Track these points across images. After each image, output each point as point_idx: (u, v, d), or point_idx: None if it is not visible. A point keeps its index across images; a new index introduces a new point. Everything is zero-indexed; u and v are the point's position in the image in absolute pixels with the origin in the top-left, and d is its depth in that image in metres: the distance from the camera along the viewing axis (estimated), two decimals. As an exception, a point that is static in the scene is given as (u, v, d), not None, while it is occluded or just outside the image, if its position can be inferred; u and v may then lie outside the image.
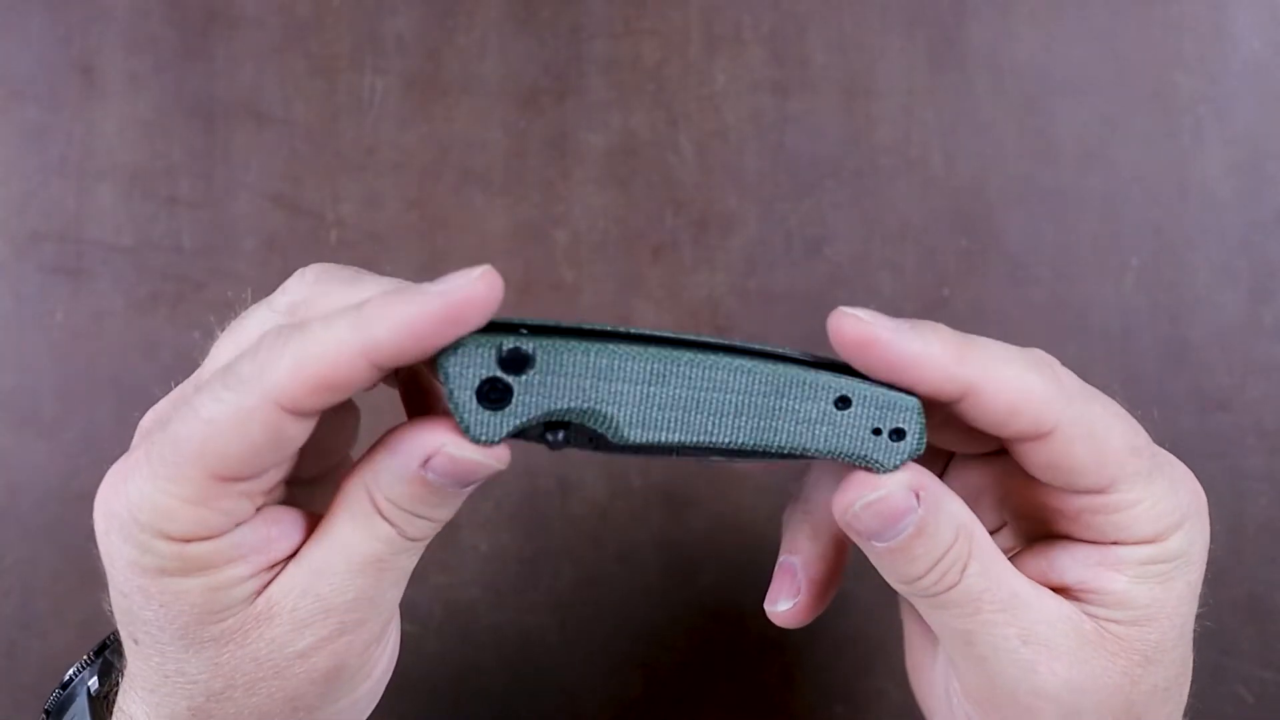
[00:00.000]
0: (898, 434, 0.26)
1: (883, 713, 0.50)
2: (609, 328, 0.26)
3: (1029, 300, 0.52)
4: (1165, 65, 0.52)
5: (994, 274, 0.52)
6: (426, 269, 0.52)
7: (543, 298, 0.52)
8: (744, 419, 0.26)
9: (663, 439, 0.26)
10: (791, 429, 0.26)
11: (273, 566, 0.27)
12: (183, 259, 0.52)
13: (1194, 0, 0.53)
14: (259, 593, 0.26)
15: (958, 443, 0.30)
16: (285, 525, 0.27)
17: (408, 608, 0.50)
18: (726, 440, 0.26)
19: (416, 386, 0.30)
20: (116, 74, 0.53)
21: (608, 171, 0.53)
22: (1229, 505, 0.51)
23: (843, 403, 0.26)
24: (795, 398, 0.26)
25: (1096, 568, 0.28)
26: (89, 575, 0.51)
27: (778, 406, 0.26)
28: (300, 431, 0.25)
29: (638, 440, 0.26)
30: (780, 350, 0.27)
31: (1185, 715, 0.31)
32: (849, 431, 0.26)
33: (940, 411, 0.28)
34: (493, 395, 0.25)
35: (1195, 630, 0.30)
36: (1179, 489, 0.28)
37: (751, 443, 0.26)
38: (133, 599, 0.26)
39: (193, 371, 0.28)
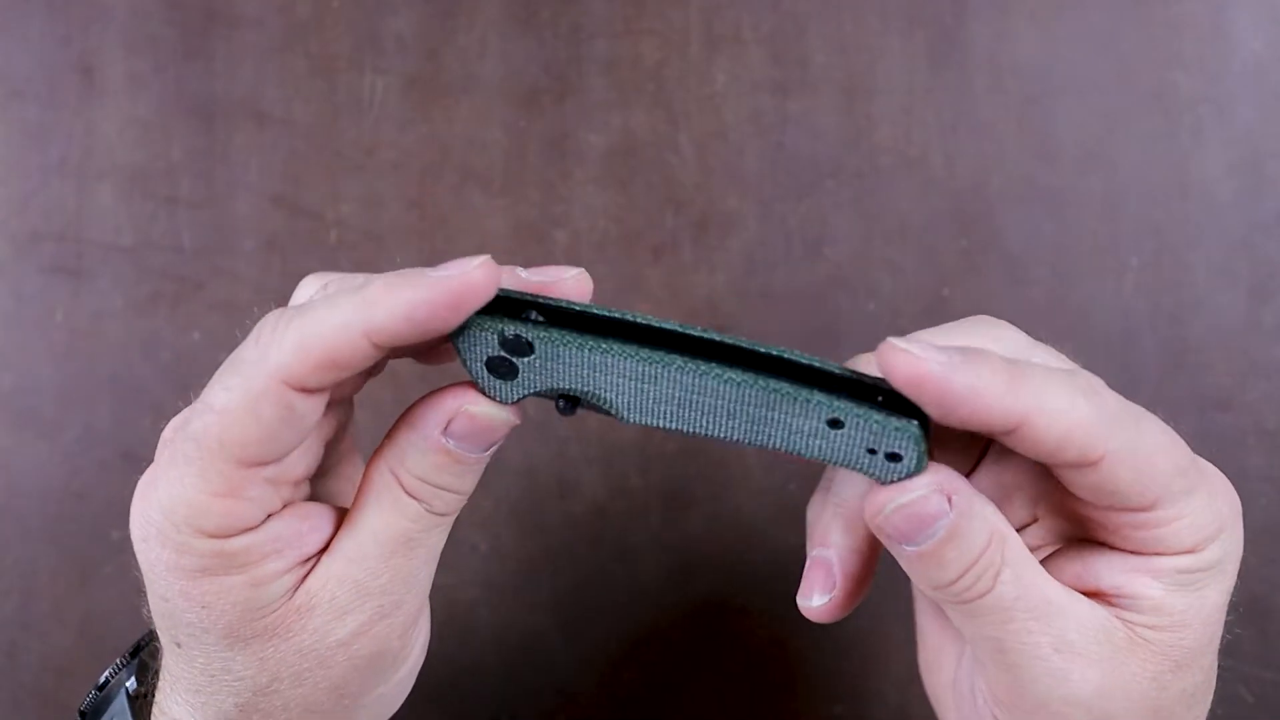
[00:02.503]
0: (893, 457, 0.26)
1: (883, 713, 0.50)
2: (613, 314, 0.27)
3: (1029, 300, 0.52)
4: (1165, 65, 0.52)
5: (994, 274, 0.52)
6: (426, 269, 0.52)
7: (543, 298, 0.52)
8: (737, 421, 0.27)
9: (660, 425, 0.27)
10: (784, 436, 0.27)
11: (306, 561, 0.27)
12: (183, 259, 0.52)
13: (1194, 0, 0.53)
14: (296, 586, 0.27)
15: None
16: (315, 520, 0.28)
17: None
18: (722, 435, 0.27)
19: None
20: (116, 74, 0.53)
21: (608, 171, 0.53)
22: (1229, 505, 0.51)
23: (835, 424, 0.26)
24: (787, 412, 0.26)
25: (1132, 574, 0.28)
26: (89, 575, 0.51)
27: (769, 417, 0.26)
28: (311, 408, 0.26)
29: (637, 422, 0.27)
30: (786, 355, 0.26)
31: None
32: (843, 447, 0.26)
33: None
34: (501, 369, 0.27)
35: (1223, 638, 0.30)
36: (1217, 500, 0.28)
37: (746, 440, 0.27)
38: (175, 603, 0.27)
39: (194, 373, 0.28)
